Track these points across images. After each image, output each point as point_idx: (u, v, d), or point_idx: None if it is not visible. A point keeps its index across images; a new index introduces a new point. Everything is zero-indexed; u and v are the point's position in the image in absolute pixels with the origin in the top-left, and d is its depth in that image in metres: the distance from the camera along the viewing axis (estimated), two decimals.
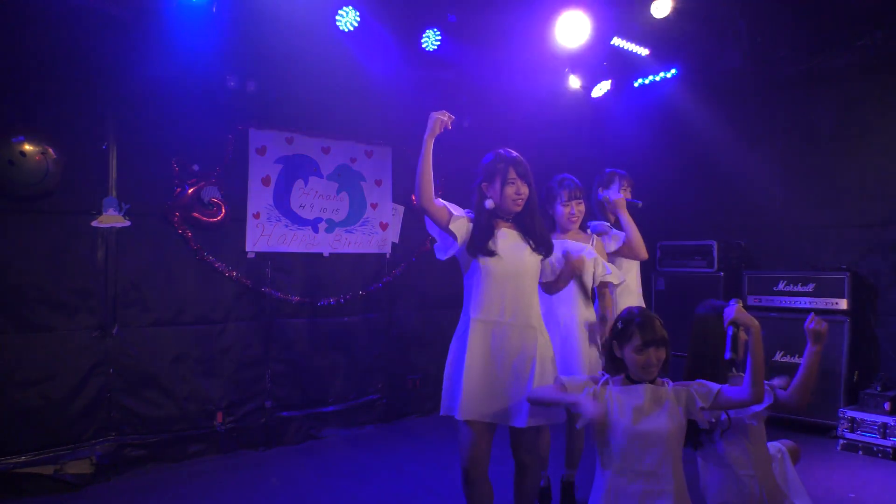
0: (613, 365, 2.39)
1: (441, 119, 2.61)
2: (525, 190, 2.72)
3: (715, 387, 2.30)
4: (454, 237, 2.71)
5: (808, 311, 4.96)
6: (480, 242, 2.67)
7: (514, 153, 2.77)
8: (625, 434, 2.24)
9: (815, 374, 2.45)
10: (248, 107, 4.51)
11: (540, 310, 2.77)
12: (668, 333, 2.31)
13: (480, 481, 2.68)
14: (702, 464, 2.65)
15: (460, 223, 2.72)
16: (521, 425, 2.61)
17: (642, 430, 2.23)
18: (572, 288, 3.29)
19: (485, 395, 2.63)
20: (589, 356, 3.27)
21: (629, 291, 3.75)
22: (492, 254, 2.66)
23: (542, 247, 2.76)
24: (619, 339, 2.32)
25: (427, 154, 2.62)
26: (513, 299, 2.67)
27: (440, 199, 2.73)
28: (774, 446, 2.76)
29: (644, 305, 3.89)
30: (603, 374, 2.40)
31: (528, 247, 2.73)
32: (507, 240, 2.72)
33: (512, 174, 2.70)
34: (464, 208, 2.83)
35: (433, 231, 2.81)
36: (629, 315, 2.35)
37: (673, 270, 5.78)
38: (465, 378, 2.61)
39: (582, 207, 3.39)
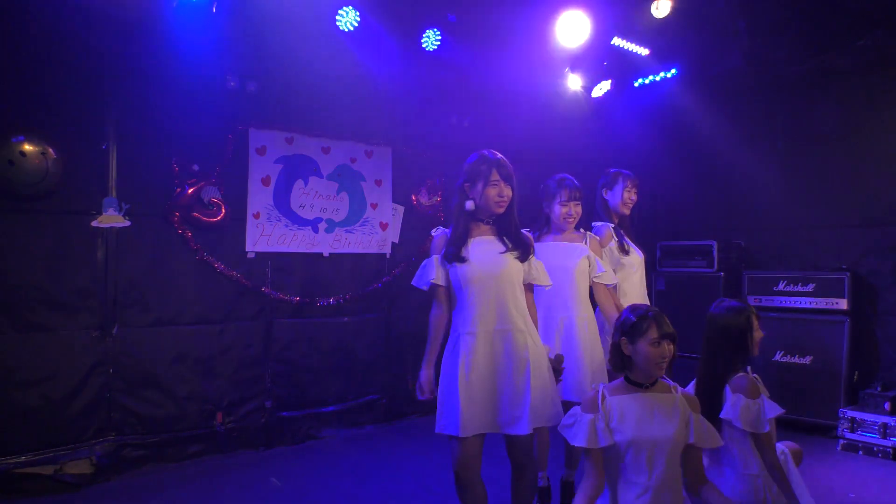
0: (621, 362, 2.36)
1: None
2: (508, 192, 2.70)
3: (712, 446, 2.34)
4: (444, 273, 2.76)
5: (809, 310, 4.99)
6: (454, 248, 2.69)
7: (499, 155, 2.74)
8: (630, 447, 2.20)
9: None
10: (248, 107, 4.51)
11: (527, 313, 2.74)
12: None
13: (473, 483, 2.67)
14: (707, 464, 2.65)
15: (439, 267, 2.76)
16: (524, 432, 2.60)
17: (648, 440, 2.19)
18: (570, 289, 3.28)
19: (483, 409, 2.62)
20: (590, 358, 3.25)
21: (636, 294, 3.72)
22: (463, 260, 2.67)
23: (519, 248, 2.74)
24: (632, 335, 2.28)
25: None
26: (497, 305, 2.66)
27: (434, 285, 2.82)
28: (778, 448, 2.76)
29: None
30: (599, 387, 2.36)
31: (506, 249, 2.71)
32: (483, 246, 2.71)
33: (495, 176, 2.67)
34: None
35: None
36: (641, 310, 2.32)
37: (673, 270, 5.77)
38: (461, 396, 2.59)
39: (579, 209, 3.35)
